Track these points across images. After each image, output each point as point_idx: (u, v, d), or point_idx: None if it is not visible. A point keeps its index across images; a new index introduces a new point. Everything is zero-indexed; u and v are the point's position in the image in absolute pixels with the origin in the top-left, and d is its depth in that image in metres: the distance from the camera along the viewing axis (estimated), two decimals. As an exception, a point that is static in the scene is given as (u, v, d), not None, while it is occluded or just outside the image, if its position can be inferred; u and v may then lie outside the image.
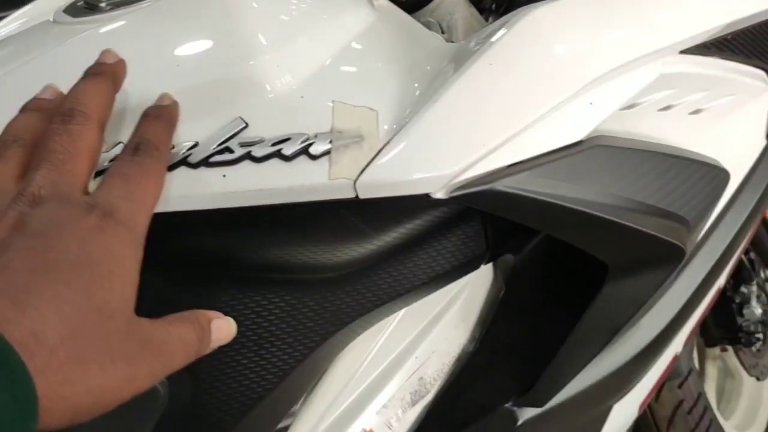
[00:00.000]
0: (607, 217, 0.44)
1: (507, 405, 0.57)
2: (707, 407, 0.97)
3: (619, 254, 0.48)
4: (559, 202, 0.42)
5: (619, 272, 0.50)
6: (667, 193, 0.48)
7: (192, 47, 0.41)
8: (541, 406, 0.56)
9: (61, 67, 0.41)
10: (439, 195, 0.40)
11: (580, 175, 0.44)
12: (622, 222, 0.45)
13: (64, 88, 0.38)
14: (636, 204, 0.46)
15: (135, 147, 0.32)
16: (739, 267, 1.00)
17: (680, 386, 0.93)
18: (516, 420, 0.57)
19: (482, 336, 0.59)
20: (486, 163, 0.41)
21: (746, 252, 1.02)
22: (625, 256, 0.48)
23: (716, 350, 1.18)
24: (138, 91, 0.39)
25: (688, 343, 0.77)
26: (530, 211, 0.42)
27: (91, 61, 0.37)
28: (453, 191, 0.40)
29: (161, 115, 0.35)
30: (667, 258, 0.50)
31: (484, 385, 0.58)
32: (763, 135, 0.67)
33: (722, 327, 1.02)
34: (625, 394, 0.67)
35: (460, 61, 0.43)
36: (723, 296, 1.01)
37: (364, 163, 0.39)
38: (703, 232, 0.64)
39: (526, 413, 0.57)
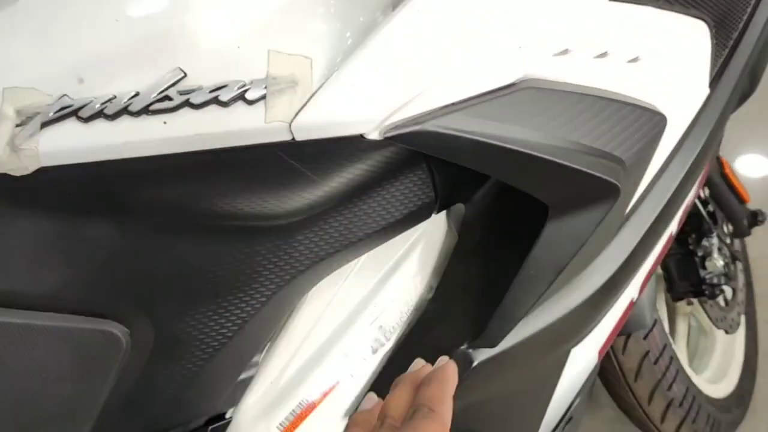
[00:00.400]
0: (539, 155, 0.46)
1: (462, 348, 0.59)
2: (673, 357, 1.00)
3: (556, 193, 0.50)
4: (491, 141, 0.44)
5: (558, 212, 0.52)
6: (601, 133, 0.51)
7: (132, 3, 0.42)
8: (494, 346, 0.58)
9: (11, 29, 0.42)
10: (374, 136, 0.43)
11: (512, 115, 0.46)
12: (556, 160, 0.47)
13: (15, 50, 0.40)
14: (569, 143, 0.48)
15: (412, 413, 0.35)
16: (700, 220, 1.03)
17: (645, 338, 0.96)
18: (471, 362, 0.59)
19: (439, 284, 0.62)
20: (418, 105, 0.43)
21: (705, 204, 1.05)
22: (562, 195, 0.51)
23: (687, 308, 1.22)
24: (82, 47, 0.41)
25: (645, 290, 0.79)
26: (463, 151, 0.44)
27: (43, 22, 0.39)
28: (386, 132, 0.42)
29: (433, 379, 0.38)
30: (603, 196, 0.52)
31: (440, 330, 0.60)
32: (706, 84, 0.69)
33: (686, 280, 1.05)
34: (582, 338, 0.70)
35: (393, 9, 0.45)
36: (686, 250, 1.04)
37: (299, 107, 0.41)
38: (649, 179, 0.66)
39: (482, 355, 0.59)
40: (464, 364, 0.59)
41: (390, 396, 0.38)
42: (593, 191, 0.51)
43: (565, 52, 0.52)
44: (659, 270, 1.10)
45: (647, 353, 0.97)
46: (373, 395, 0.41)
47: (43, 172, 0.40)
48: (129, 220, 0.46)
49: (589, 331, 0.70)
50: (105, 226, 0.45)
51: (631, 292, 0.73)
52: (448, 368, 0.39)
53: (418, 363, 0.41)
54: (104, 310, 0.47)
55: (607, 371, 0.99)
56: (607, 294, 0.67)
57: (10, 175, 0.40)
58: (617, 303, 0.72)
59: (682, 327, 1.23)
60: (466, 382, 0.60)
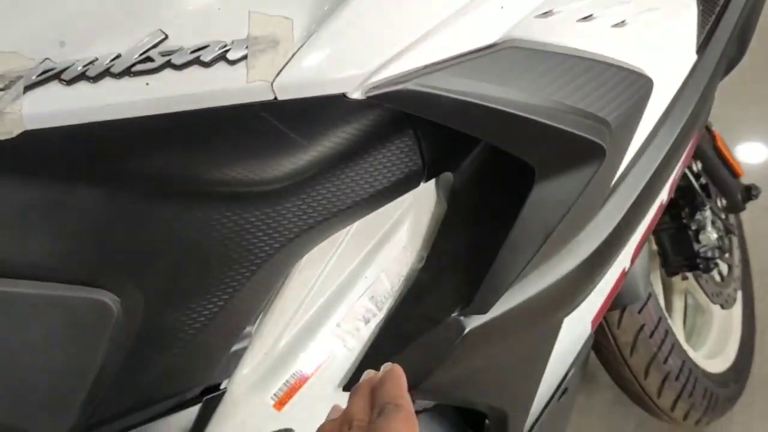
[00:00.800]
0: (522, 114, 0.46)
1: (454, 315, 0.59)
2: (668, 331, 1.00)
3: (540, 154, 0.51)
4: (473, 100, 0.45)
5: (544, 174, 0.52)
6: (585, 94, 0.51)
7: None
8: (484, 312, 0.59)
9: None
10: (356, 95, 0.43)
11: (494, 75, 0.46)
12: (539, 119, 0.47)
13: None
14: (552, 103, 0.49)
15: (379, 412, 0.37)
16: (692, 193, 1.03)
17: (640, 311, 0.96)
18: (462, 329, 0.59)
19: (429, 254, 0.62)
20: (400, 65, 0.43)
21: (697, 177, 1.05)
22: (546, 156, 0.51)
23: (682, 284, 1.22)
24: (63, 10, 0.41)
25: (637, 261, 0.80)
26: (446, 110, 0.45)
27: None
28: (368, 91, 0.43)
29: (386, 380, 0.40)
30: (589, 157, 0.52)
31: (431, 299, 0.60)
32: (693, 50, 0.69)
33: (680, 254, 1.05)
34: (574, 307, 0.70)
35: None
36: (679, 224, 1.04)
37: (280, 66, 0.41)
38: (637, 146, 0.67)
39: (472, 322, 0.60)
40: (456, 332, 0.59)
41: (350, 403, 0.40)
42: (578, 152, 0.51)
43: (548, 13, 0.52)
44: (653, 245, 1.10)
45: (642, 327, 0.97)
46: (339, 406, 0.43)
47: (27, 135, 0.40)
48: (115, 186, 0.46)
49: (582, 300, 0.70)
50: (92, 192, 0.45)
51: (622, 261, 0.74)
52: (395, 369, 0.41)
53: (369, 373, 0.44)
54: (94, 278, 0.47)
55: (602, 346, 0.99)
56: (598, 262, 0.67)
57: (-5, 141, 0.41)
58: (609, 272, 0.72)
59: (678, 304, 1.23)
60: (458, 350, 0.60)
